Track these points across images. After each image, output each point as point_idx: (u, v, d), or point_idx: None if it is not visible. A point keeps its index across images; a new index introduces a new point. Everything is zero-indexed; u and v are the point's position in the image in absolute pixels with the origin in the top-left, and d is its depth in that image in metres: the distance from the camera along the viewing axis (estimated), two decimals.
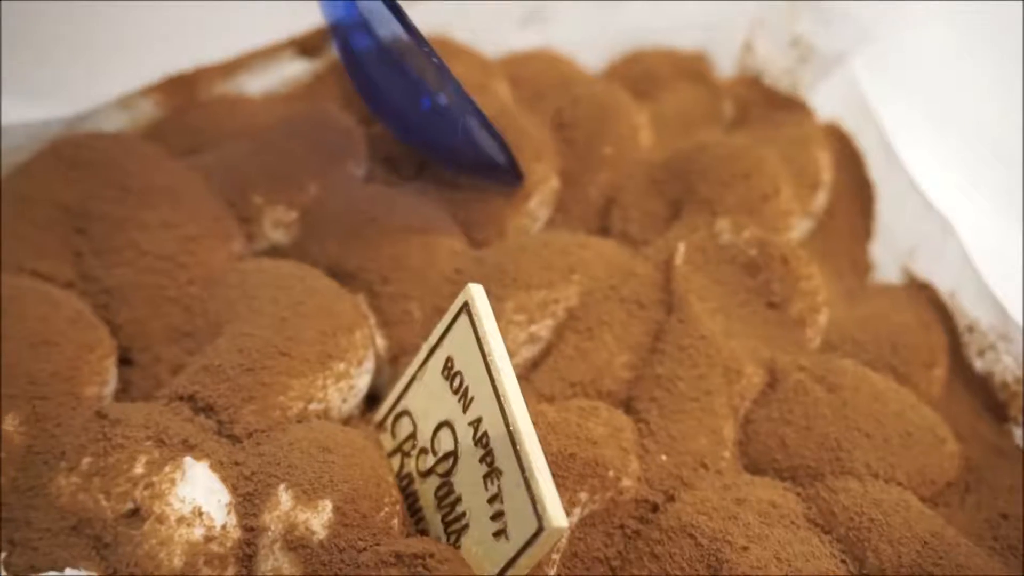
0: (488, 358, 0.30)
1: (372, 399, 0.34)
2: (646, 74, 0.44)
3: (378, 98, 0.39)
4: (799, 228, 0.39)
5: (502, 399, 0.29)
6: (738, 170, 0.37)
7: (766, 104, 0.41)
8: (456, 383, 0.31)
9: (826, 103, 0.41)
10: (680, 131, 0.42)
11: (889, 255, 0.40)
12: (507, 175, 0.37)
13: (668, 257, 0.35)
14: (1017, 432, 0.34)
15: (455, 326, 0.31)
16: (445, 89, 0.35)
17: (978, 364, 0.36)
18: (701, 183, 0.37)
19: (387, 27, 0.34)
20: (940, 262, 0.37)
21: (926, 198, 0.37)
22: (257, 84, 0.41)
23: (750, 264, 0.35)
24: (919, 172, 0.38)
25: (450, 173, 0.38)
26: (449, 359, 0.31)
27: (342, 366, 0.32)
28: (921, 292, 0.38)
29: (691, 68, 0.44)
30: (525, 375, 0.34)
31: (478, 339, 0.30)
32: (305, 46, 0.41)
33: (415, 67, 0.36)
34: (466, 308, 0.31)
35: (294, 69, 0.41)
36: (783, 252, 0.35)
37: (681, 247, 0.35)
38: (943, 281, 0.37)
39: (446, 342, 0.31)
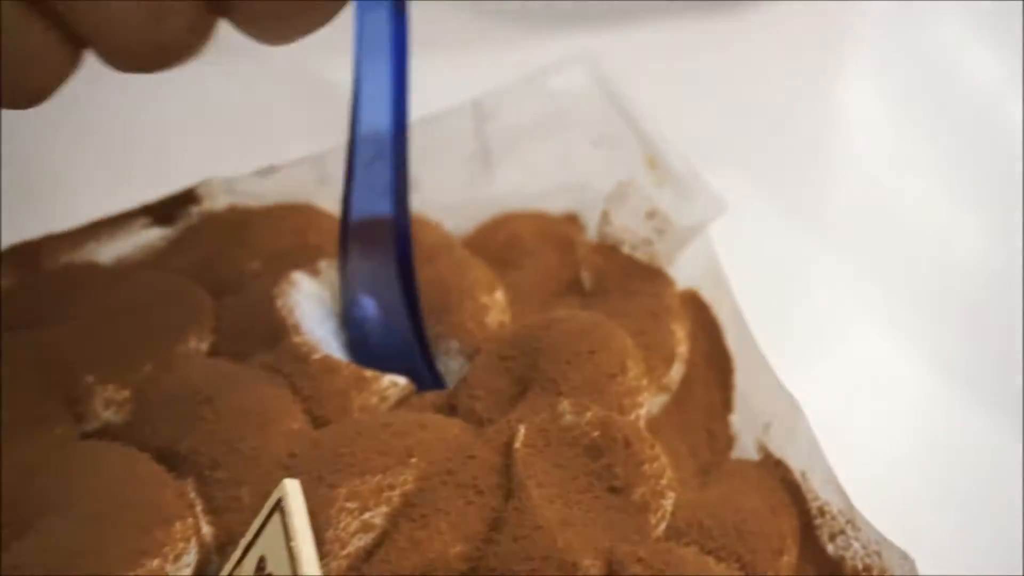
0: (295, 561, 0.29)
1: None
2: (511, 240, 0.44)
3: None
4: (653, 403, 0.39)
5: None
6: (583, 348, 0.37)
7: (624, 274, 0.41)
8: None
9: (685, 272, 0.42)
10: (539, 302, 0.42)
11: (748, 429, 0.40)
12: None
13: (509, 439, 0.35)
14: None
15: (269, 524, 0.31)
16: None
17: (830, 548, 0.36)
18: (546, 361, 0.37)
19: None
20: (791, 442, 0.37)
21: (776, 376, 0.38)
22: (109, 252, 0.41)
23: (592, 447, 0.35)
24: (773, 346, 0.39)
25: (304, 347, 0.38)
26: (262, 559, 0.31)
27: (156, 563, 0.32)
28: (776, 470, 0.38)
29: (558, 233, 0.45)
30: (358, 566, 0.33)
31: (288, 539, 0.30)
32: (158, 215, 0.42)
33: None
34: (279, 505, 0.31)
35: (148, 236, 0.42)
36: (626, 434, 0.35)
37: (521, 430, 0.35)
38: (795, 460, 0.37)
39: (260, 541, 0.31)
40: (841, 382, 0.47)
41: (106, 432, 0.36)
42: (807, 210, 0.57)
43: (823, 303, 0.52)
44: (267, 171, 0.43)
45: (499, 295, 0.41)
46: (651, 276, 0.41)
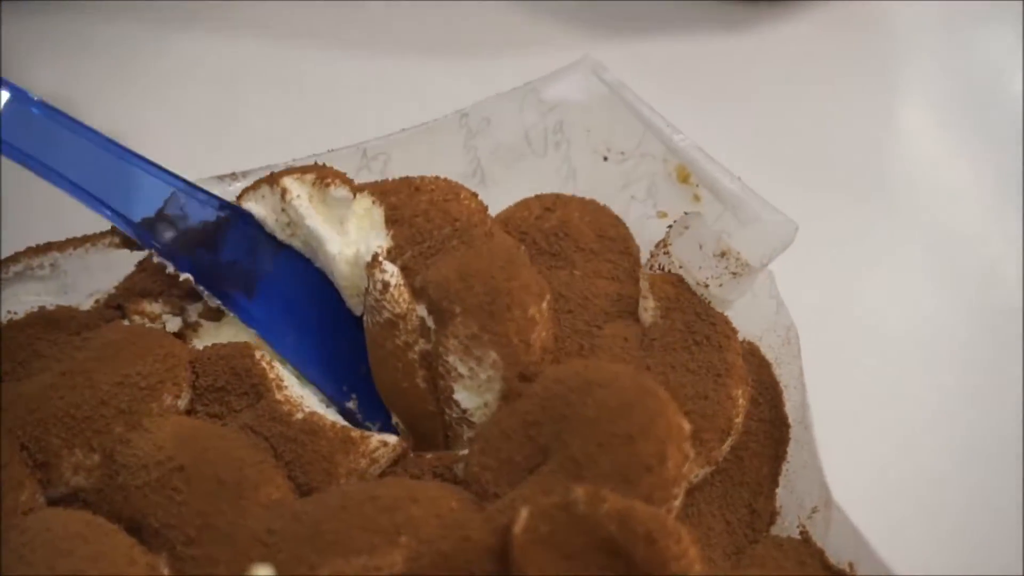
0: None
1: None
2: (563, 228, 0.41)
3: None
4: (697, 475, 0.36)
5: None
6: (620, 430, 0.33)
7: (693, 313, 0.38)
8: None
9: (747, 320, 0.39)
10: (587, 321, 0.39)
11: (792, 507, 0.37)
12: None
13: (510, 521, 0.33)
14: None
15: None
16: None
17: None
18: (574, 436, 0.33)
19: None
20: (831, 529, 0.34)
21: (819, 462, 0.35)
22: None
23: (608, 541, 0.32)
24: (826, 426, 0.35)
25: (286, 406, 0.37)
26: None
27: None
28: (815, 557, 0.35)
29: (618, 235, 0.42)
30: None
31: None
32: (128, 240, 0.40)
33: None
34: None
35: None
36: (649, 529, 0.31)
37: (523, 513, 0.33)
38: (839, 551, 0.34)
39: None
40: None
41: (75, 498, 0.35)
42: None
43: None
44: (229, 178, 0.41)
45: (546, 305, 0.37)
46: (717, 322, 0.38)
